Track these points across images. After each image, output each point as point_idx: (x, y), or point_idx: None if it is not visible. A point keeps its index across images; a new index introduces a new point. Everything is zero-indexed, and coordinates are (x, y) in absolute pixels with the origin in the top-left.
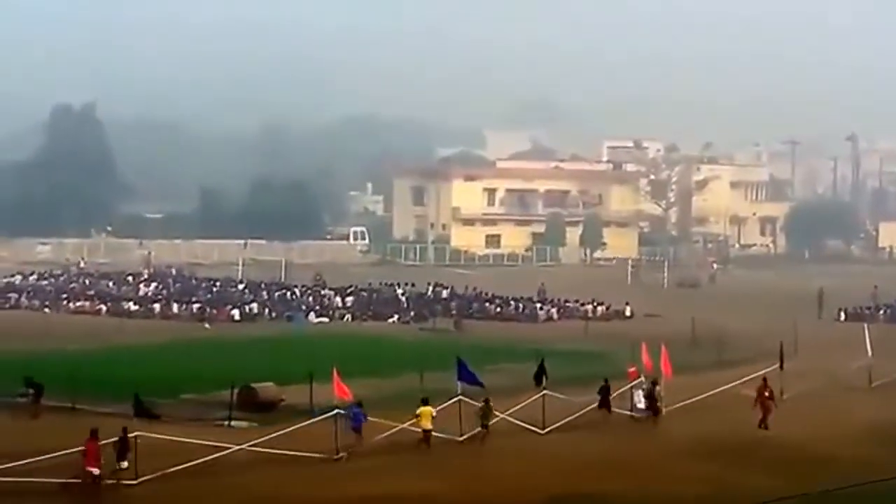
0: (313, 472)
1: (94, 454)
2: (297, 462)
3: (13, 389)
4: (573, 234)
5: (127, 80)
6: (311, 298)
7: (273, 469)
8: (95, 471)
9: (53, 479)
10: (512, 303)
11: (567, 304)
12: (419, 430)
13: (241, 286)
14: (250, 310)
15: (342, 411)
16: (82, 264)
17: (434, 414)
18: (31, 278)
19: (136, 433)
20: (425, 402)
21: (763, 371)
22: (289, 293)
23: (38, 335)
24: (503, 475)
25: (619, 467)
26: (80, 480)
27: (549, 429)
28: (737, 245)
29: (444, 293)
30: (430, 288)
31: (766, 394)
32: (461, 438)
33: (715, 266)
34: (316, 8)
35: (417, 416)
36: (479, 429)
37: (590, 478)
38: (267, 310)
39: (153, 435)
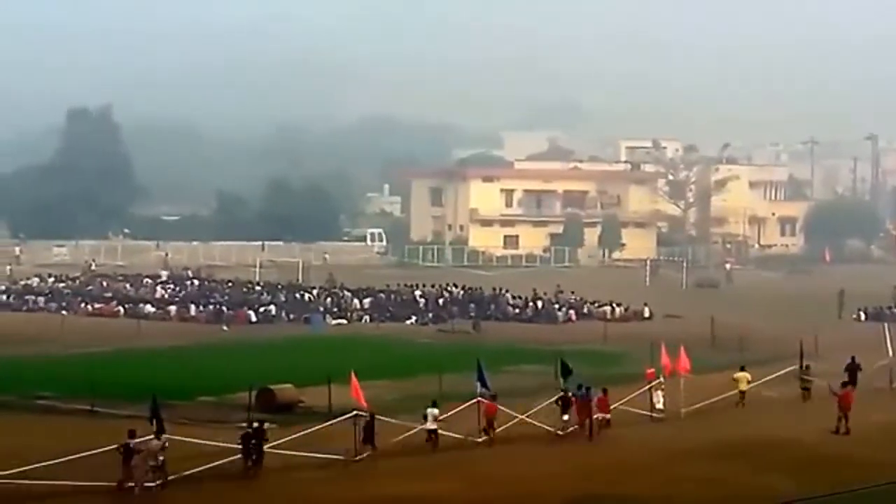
0: (332, 474)
1: (605, 404)
2: (316, 464)
3: (32, 393)
4: (591, 235)
5: (143, 83)
6: (328, 300)
7: (292, 470)
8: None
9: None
10: (530, 304)
11: (586, 305)
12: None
13: (258, 288)
14: (267, 312)
15: (361, 413)
16: (94, 266)
17: (749, 378)
18: (49, 281)
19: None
20: (742, 369)
21: (783, 371)
22: (306, 295)
23: (56, 338)
24: (519, 477)
25: (636, 469)
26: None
27: (567, 430)
28: (756, 245)
29: (462, 294)
30: (448, 289)
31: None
32: (479, 440)
33: (729, 266)
34: (333, 10)
35: (735, 379)
36: (802, 391)
37: (606, 480)
38: (284, 312)
39: (172, 437)
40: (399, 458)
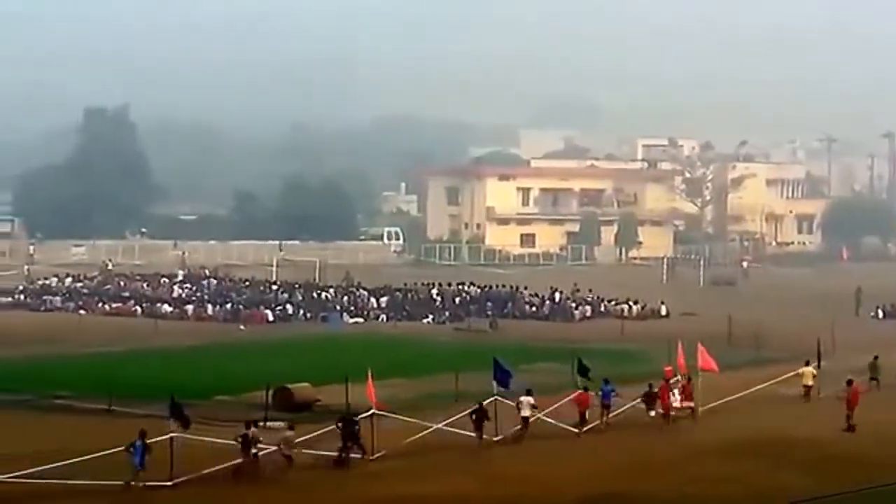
0: (349, 473)
1: (689, 392)
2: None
3: (49, 392)
4: (608, 233)
5: (159, 83)
6: (345, 299)
7: (309, 469)
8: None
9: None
10: (547, 302)
11: (603, 303)
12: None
13: (275, 287)
14: (284, 311)
15: (378, 412)
16: (111, 265)
17: (815, 373)
18: (66, 280)
19: (171, 434)
20: (807, 364)
21: (800, 369)
22: (323, 294)
23: (73, 337)
24: (536, 475)
25: (653, 467)
26: None
27: (585, 428)
28: (773, 243)
29: (479, 293)
30: (464, 287)
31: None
32: (496, 438)
33: (745, 264)
34: (349, 7)
35: (800, 374)
36: (870, 381)
37: (623, 478)
38: (301, 311)
39: (188, 436)
40: (415, 458)
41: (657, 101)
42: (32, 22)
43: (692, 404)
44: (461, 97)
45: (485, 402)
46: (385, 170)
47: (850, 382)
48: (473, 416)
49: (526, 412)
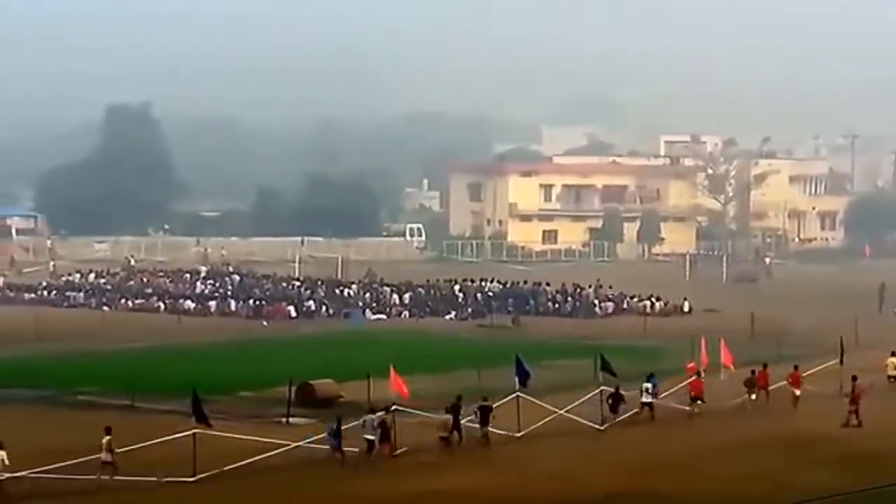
0: (372, 468)
1: (796, 380)
2: (356, 458)
3: (73, 388)
4: (630, 230)
5: (181, 79)
6: (367, 295)
7: (330, 465)
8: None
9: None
10: (570, 299)
11: (626, 300)
12: None
13: (298, 283)
14: (307, 307)
15: (400, 408)
16: (133, 262)
17: None
18: (89, 277)
19: (193, 430)
20: (893, 354)
21: (822, 366)
22: (346, 290)
23: (96, 333)
24: (559, 472)
25: (676, 464)
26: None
27: (607, 425)
28: (796, 239)
29: (501, 289)
30: (487, 284)
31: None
32: (518, 435)
33: (768, 260)
34: (372, 4)
35: (886, 364)
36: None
37: (645, 474)
38: (324, 307)
39: (211, 432)
40: (440, 453)
41: (679, 97)
42: (54, 19)
43: (798, 391)
44: (484, 94)
45: (503, 400)
46: (407, 166)
47: (854, 379)
48: (609, 401)
49: (646, 398)
